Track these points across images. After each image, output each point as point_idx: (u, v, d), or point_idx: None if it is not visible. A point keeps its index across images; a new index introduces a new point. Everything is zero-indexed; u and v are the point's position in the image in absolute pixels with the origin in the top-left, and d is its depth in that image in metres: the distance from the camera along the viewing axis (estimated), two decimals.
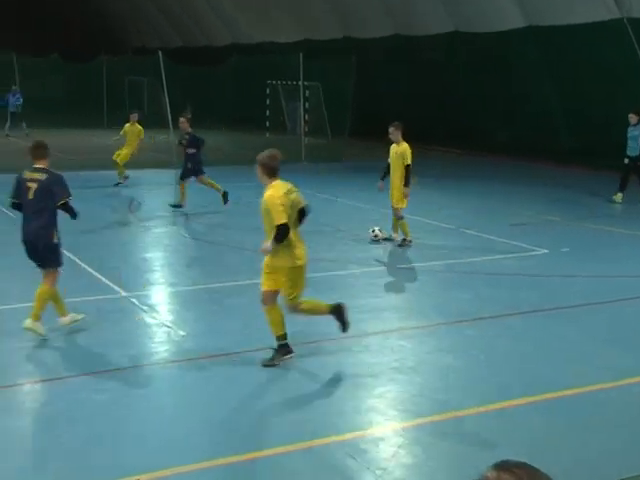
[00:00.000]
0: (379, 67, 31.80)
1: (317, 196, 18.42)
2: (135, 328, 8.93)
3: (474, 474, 2.22)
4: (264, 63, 35.63)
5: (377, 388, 7.18)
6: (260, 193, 7.81)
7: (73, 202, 8.64)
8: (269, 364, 7.55)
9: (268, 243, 7.58)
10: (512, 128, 26.86)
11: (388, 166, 13.08)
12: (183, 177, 16.41)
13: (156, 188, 20.11)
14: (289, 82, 31.97)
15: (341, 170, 23.49)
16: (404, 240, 13.04)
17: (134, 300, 9.80)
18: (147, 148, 28.57)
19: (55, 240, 8.43)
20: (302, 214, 8.01)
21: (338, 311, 7.97)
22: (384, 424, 6.47)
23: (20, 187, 8.47)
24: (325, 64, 31.38)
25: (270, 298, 7.71)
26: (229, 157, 26.30)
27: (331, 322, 9.06)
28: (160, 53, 22.50)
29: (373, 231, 13.24)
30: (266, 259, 7.75)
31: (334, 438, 6.07)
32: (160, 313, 9.46)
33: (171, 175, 21.33)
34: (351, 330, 8.80)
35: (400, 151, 12.85)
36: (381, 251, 12.85)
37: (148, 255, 12.68)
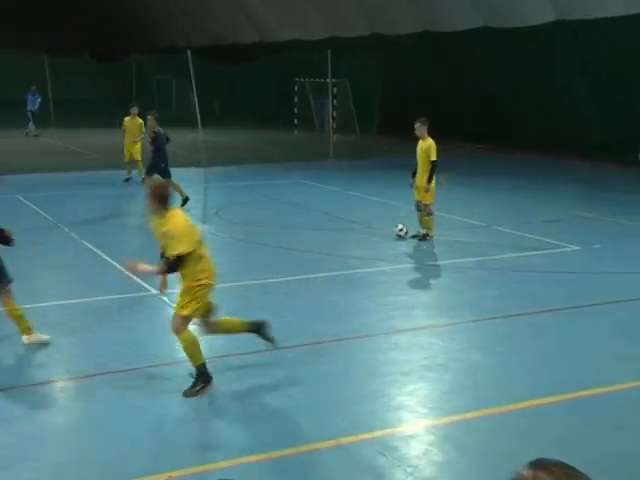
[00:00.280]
0: (407, 64, 31.68)
1: (345, 193, 18.43)
2: (165, 326, 8.96)
3: (505, 472, 2.20)
4: (292, 61, 35.68)
5: (407, 385, 7.16)
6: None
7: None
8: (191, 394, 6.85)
9: (150, 267, 7.12)
10: (542, 124, 26.62)
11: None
12: (165, 176, 15.97)
13: (185, 186, 20.14)
14: (317, 79, 31.96)
15: (369, 167, 23.43)
16: (425, 235, 13.00)
17: (164, 298, 9.84)
18: (175, 146, 28.77)
19: None
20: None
21: (259, 329, 7.43)
22: (414, 422, 6.45)
23: None
24: (353, 61, 31.36)
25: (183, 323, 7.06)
26: (258, 155, 26.38)
27: (360, 319, 9.07)
28: (189, 52, 22.60)
29: (397, 227, 13.20)
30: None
31: (364, 435, 6.06)
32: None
33: (200, 173, 21.46)
34: (381, 327, 8.82)
35: (425, 147, 12.81)
36: (411, 248, 12.80)
37: None
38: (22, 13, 52.83)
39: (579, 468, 2.15)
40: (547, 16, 25.23)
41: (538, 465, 2.12)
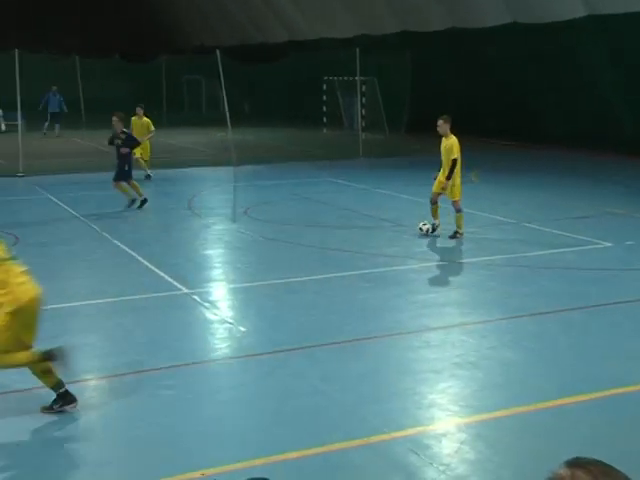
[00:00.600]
0: (436, 61, 31.55)
1: (375, 191, 18.42)
2: (196, 324, 9.05)
3: (539, 471, 2.20)
4: (320, 59, 35.67)
5: (439, 383, 7.15)
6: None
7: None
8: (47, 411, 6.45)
9: None
10: (571, 120, 26.39)
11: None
12: (119, 179, 15.90)
13: (215, 185, 20.31)
14: (345, 78, 31.94)
15: (399, 165, 23.38)
16: (456, 233, 12.98)
17: (196, 297, 9.93)
18: (204, 146, 28.95)
19: None
20: None
21: (51, 358, 6.38)
22: (446, 420, 6.44)
23: None
24: (382, 59, 31.28)
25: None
26: (286, 154, 26.44)
27: (391, 317, 9.07)
28: (218, 52, 22.71)
29: (425, 225, 13.17)
30: None
31: (396, 433, 6.06)
32: (221, 309, 9.56)
33: (229, 172, 21.56)
34: (412, 325, 8.82)
35: (448, 145, 12.79)
36: (441, 246, 12.77)
37: (208, 252, 12.83)
38: (53, 16, 53.40)
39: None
40: (578, 11, 24.98)
41: (575, 464, 2.11)
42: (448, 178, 12.83)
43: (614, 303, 9.51)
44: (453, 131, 12.92)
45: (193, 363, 7.72)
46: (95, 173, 21.68)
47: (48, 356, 6.35)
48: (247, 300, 10.06)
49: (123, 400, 6.89)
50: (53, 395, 6.50)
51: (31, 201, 17.05)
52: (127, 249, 12.54)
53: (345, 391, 6.97)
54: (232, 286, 10.72)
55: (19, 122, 22.95)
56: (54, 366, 6.43)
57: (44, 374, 6.46)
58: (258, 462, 5.66)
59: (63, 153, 24.22)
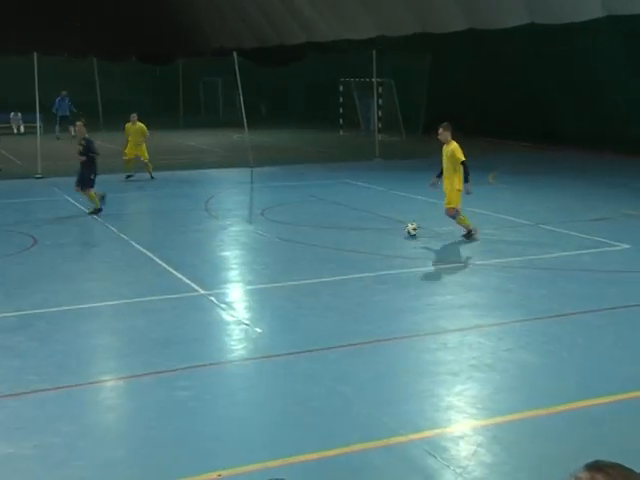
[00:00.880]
0: (453, 62, 31.46)
1: (391, 193, 18.40)
2: (213, 326, 9.07)
3: (556, 474, 2.18)
4: (337, 61, 35.67)
5: (456, 386, 7.12)
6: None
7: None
8: None
9: None
10: (588, 121, 26.24)
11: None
12: (90, 186, 15.72)
13: (232, 187, 20.35)
14: (363, 79, 31.92)
15: (415, 167, 23.32)
16: (469, 232, 12.95)
17: (212, 298, 9.95)
18: (221, 147, 29.02)
19: None
20: None
21: None
22: (463, 422, 6.41)
23: None
24: (399, 60, 31.23)
25: None
26: (303, 155, 26.46)
27: (408, 319, 9.05)
28: (235, 54, 22.77)
29: (410, 225, 13.15)
30: None
31: (413, 435, 6.04)
32: (237, 311, 9.57)
33: (246, 174, 21.60)
34: (429, 327, 8.80)
35: (450, 151, 12.84)
36: (458, 247, 12.73)
37: (225, 253, 12.85)
38: (71, 18, 53.74)
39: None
40: (596, 12, 24.85)
41: (594, 467, 2.10)
42: (466, 181, 12.81)
43: (632, 305, 9.44)
44: (455, 137, 12.93)
45: (210, 364, 7.73)
46: (113, 174, 21.78)
47: None
48: (263, 301, 10.07)
49: (140, 401, 6.91)
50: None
51: (49, 202, 17.15)
52: (144, 250, 12.59)
53: (362, 393, 6.96)
54: (248, 287, 10.73)
55: (38, 124, 23.10)
56: None
57: None
58: (275, 463, 5.66)
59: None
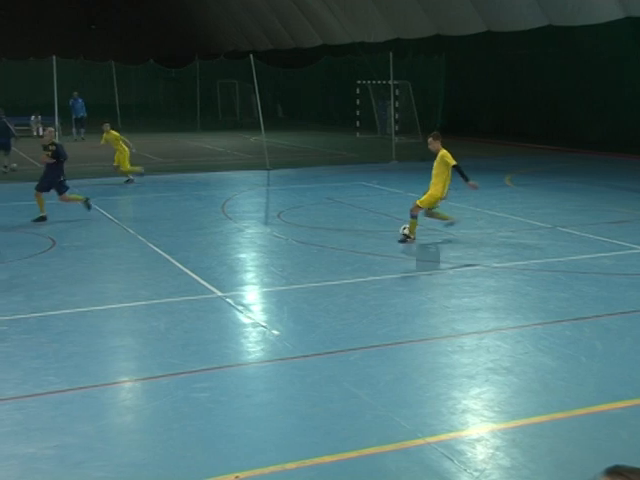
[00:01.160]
0: (470, 64, 31.43)
1: (408, 195, 18.35)
2: (230, 327, 9.09)
3: (576, 479, 2.18)
4: (354, 63, 35.70)
5: (473, 388, 7.10)
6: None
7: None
8: None
9: None
10: (607, 123, 26.11)
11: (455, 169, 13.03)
12: (63, 190, 15.65)
13: (248, 189, 20.39)
14: (379, 82, 31.92)
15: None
16: (407, 238, 13.00)
17: (229, 300, 9.98)
18: (238, 150, 29.09)
19: None
20: None
21: None
22: (480, 425, 6.39)
23: None
24: (415, 63, 31.22)
25: None
26: (319, 157, 26.47)
27: (424, 322, 9.04)
28: (251, 56, 22.83)
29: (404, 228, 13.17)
30: None
31: (430, 439, 6.03)
32: (254, 313, 9.59)
33: (262, 176, 21.64)
34: (445, 330, 8.78)
35: (439, 157, 12.93)
36: (475, 250, 12.69)
37: (242, 255, 12.88)
38: (88, 22, 54.07)
39: None
40: (614, 14, 24.72)
41: (615, 471, 2.09)
42: (467, 180, 12.90)
43: None
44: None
45: (227, 366, 7.75)
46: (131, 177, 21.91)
47: None
48: (280, 304, 10.08)
49: (158, 402, 6.93)
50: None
51: (68, 205, 17.22)
52: (162, 252, 12.64)
53: (378, 395, 6.95)
54: (265, 289, 10.75)
55: (56, 126, 23.24)
56: None
57: None
58: (292, 466, 5.66)
59: (98, 157, 24.46)
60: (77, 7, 54.02)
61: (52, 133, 16.13)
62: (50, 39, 48.61)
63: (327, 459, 5.79)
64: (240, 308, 9.67)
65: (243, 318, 9.31)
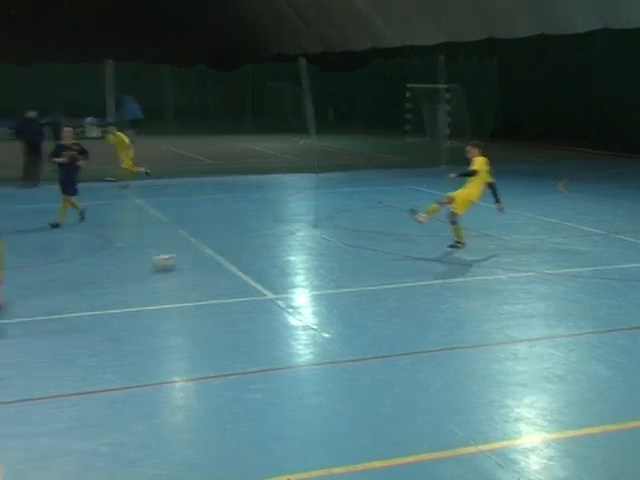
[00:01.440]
0: (523, 67, 31.12)
1: None
2: (281, 330, 9.13)
3: None
4: (404, 66, 35.59)
5: (526, 397, 7.03)
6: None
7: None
8: None
9: None
10: None
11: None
12: (75, 194, 15.46)
13: (298, 192, 20.47)
14: (429, 85, 31.76)
15: None
16: (458, 243, 12.93)
17: (280, 302, 10.03)
18: (288, 152, 29.21)
19: None
20: None
21: None
22: (534, 434, 6.32)
23: None
24: (467, 66, 31.01)
25: None
26: (370, 161, 26.46)
27: (476, 328, 8.97)
28: (301, 59, 22.89)
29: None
30: None
31: (483, 446, 5.99)
32: (304, 315, 9.62)
33: (312, 179, 21.68)
34: (498, 337, 8.70)
35: (472, 163, 12.94)
36: (528, 256, 12.55)
37: (292, 258, 12.93)
38: (142, 26, 54.85)
39: None
40: None
41: None
42: (462, 174, 13.07)
43: None
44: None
45: (278, 368, 7.79)
46: (183, 178, 22.16)
47: None
48: (330, 307, 10.09)
49: (210, 402, 7.00)
50: None
51: (121, 205, 17.51)
52: (214, 254, 12.76)
53: (429, 401, 6.93)
54: (316, 292, 10.78)
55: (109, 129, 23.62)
56: None
57: None
58: (341, 470, 5.67)
59: (152, 159, 24.76)
60: (136, 13, 54.85)
61: (71, 133, 16.13)
62: (105, 43, 49.40)
63: (377, 464, 5.78)
64: (290, 310, 9.72)
65: (293, 320, 9.35)
